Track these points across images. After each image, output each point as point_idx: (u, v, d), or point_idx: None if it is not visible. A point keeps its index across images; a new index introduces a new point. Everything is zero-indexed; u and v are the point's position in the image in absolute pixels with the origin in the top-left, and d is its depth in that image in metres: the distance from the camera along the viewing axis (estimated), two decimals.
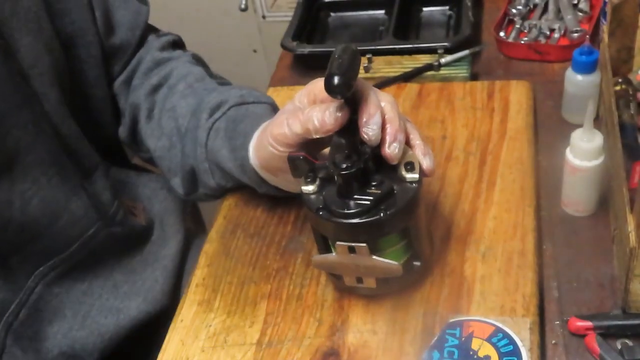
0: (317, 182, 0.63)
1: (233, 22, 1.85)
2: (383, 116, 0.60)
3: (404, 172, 0.62)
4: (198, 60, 0.88)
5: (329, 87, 0.56)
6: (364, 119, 0.59)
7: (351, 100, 0.60)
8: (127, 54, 0.84)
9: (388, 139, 0.60)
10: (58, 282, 0.77)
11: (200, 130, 0.75)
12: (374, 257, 0.61)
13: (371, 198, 0.60)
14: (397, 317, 0.66)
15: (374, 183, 0.61)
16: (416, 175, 0.62)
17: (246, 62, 1.93)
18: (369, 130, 0.59)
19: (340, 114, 0.59)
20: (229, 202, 0.83)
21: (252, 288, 0.72)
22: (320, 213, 0.61)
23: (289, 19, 1.15)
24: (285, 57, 1.14)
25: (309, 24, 1.17)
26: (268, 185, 0.73)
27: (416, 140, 0.63)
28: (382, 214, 0.60)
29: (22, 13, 0.70)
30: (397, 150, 0.60)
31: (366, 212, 0.60)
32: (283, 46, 1.09)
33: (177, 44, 0.91)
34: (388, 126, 0.60)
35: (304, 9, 1.17)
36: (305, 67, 1.10)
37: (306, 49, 1.07)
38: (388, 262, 0.61)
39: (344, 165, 0.60)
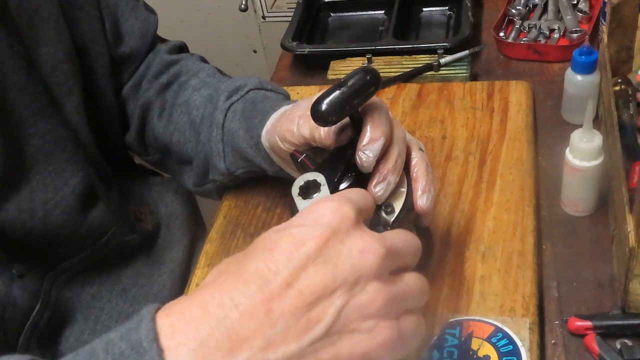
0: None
1: (233, 22, 1.85)
2: (386, 146, 0.56)
3: (382, 213, 0.56)
4: (205, 62, 0.89)
5: (313, 114, 0.53)
6: (364, 142, 0.55)
7: (358, 118, 0.57)
8: (136, 61, 0.85)
9: (377, 177, 0.56)
10: (68, 286, 0.77)
11: (218, 112, 0.75)
12: None
13: None
14: None
15: None
16: (390, 219, 0.56)
17: (246, 62, 1.93)
18: (364, 155, 0.55)
19: (340, 134, 0.57)
20: (229, 202, 0.83)
21: None
22: None
23: (289, 19, 1.15)
24: (285, 57, 1.14)
25: (308, 24, 1.17)
26: (277, 167, 0.72)
27: (420, 173, 0.59)
28: None
29: (42, 23, 0.70)
30: (381, 192, 0.55)
31: None
32: (283, 46, 1.09)
33: (183, 49, 0.92)
34: (383, 163, 0.56)
35: (304, 9, 1.17)
36: (305, 67, 1.10)
37: (306, 49, 1.07)
38: None
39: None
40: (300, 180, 0.52)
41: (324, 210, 0.43)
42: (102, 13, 0.79)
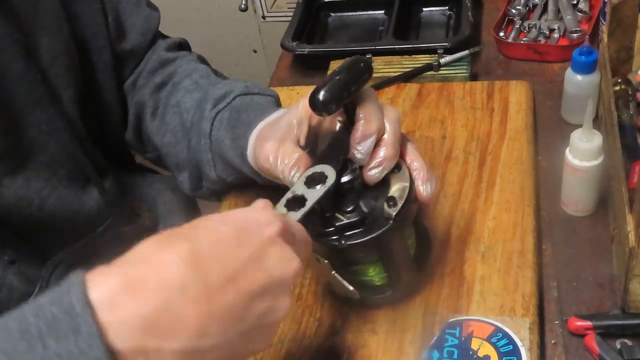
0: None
1: (233, 22, 1.85)
2: (381, 135, 0.59)
3: (385, 205, 0.58)
4: (202, 61, 0.89)
5: (312, 103, 0.55)
6: (357, 137, 0.58)
7: (350, 110, 0.59)
8: (137, 58, 0.85)
9: (373, 162, 0.59)
10: (65, 275, 0.77)
11: (205, 121, 0.75)
12: (334, 273, 0.60)
13: (337, 224, 0.58)
14: (397, 317, 0.66)
15: (349, 208, 0.59)
16: (392, 213, 0.58)
17: (246, 62, 1.93)
18: (357, 153, 0.58)
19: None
20: (228, 203, 0.83)
21: None
22: None
23: (289, 19, 1.15)
24: (285, 57, 1.14)
25: (308, 24, 1.17)
26: (264, 178, 0.73)
27: (418, 165, 0.61)
28: (341, 242, 0.58)
29: (42, 14, 0.71)
30: (376, 176, 0.59)
31: (325, 236, 0.58)
32: (283, 46, 1.10)
33: (183, 46, 0.92)
34: (381, 149, 0.59)
35: (304, 9, 1.17)
36: (305, 67, 1.10)
37: (306, 49, 1.08)
38: (345, 284, 0.60)
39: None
40: (309, 171, 0.57)
41: (257, 218, 0.49)
42: (105, 7, 0.79)
